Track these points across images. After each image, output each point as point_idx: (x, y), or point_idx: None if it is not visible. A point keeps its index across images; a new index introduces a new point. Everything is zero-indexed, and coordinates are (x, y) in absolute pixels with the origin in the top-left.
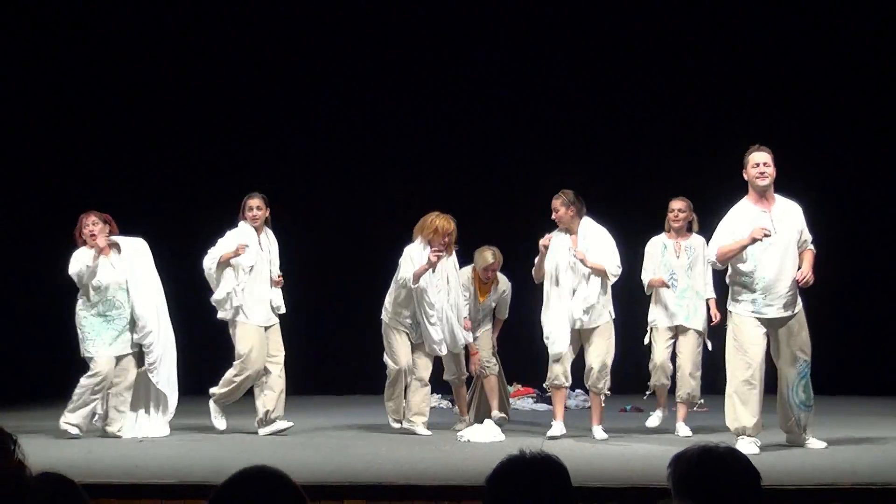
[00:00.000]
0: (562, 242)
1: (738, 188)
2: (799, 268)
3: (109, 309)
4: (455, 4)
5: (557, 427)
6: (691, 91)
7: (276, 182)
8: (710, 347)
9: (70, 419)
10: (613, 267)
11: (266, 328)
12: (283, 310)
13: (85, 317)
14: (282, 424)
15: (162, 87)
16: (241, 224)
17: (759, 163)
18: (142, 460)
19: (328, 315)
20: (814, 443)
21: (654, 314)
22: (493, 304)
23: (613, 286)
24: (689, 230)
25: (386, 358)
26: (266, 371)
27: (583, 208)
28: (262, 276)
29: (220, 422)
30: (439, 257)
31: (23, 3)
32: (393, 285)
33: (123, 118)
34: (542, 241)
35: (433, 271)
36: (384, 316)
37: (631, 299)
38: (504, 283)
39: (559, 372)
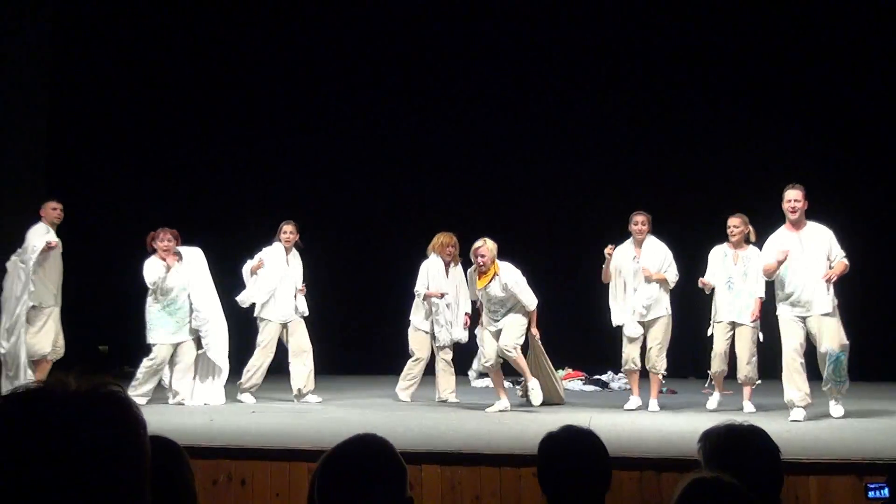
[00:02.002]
0: (627, 251)
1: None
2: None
3: (172, 305)
4: (493, 34)
5: (634, 401)
6: (751, 119)
7: (313, 199)
8: (761, 339)
9: (137, 393)
10: (672, 276)
11: (286, 325)
12: (307, 313)
13: (152, 311)
14: (312, 398)
15: (216, 132)
16: (276, 244)
17: (791, 199)
18: (254, 428)
19: (356, 308)
20: (836, 409)
21: (716, 310)
22: (504, 294)
23: (674, 290)
24: (747, 242)
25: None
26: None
27: (651, 227)
28: (287, 286)
29: (246, 396)
30: (444, 294)
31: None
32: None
33: (187, 154)
34: (606, 250)
35: (446, 280)
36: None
37: (685, 299)
38: (506, 275)
39: (630, 359)
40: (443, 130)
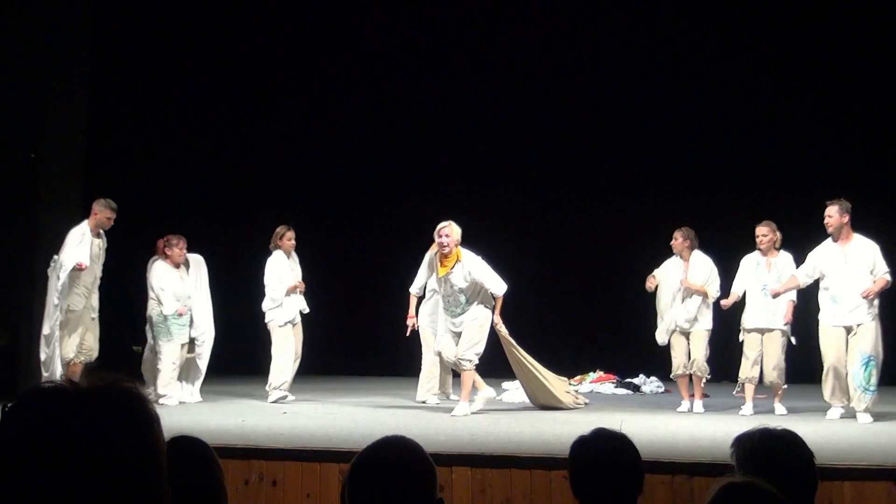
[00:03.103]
0: (674, 266)
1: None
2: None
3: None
4: (516, 46)
5: (685, 405)
6: (781, 131)
7: (311, 208)
8: (794, 342)
9: (163, 392)
10: (713, 290)
11: (293, 325)
12: (307, 310)
13: (158, 314)
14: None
15: (212, 132)
16: (277, 253)
17: (826, 215)
18: (286, 429)
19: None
20: (863, 417)
21: (747, 318)
22: (466, 284)
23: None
24: (777, 248)
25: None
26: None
27: (695, 243)
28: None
29: (275, 394)
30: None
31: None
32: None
33: (192, 166)
34: (648, 284)
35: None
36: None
37: (718, 305)
38: (469, 263)
39: (680, 364)
40: (446, 131)
